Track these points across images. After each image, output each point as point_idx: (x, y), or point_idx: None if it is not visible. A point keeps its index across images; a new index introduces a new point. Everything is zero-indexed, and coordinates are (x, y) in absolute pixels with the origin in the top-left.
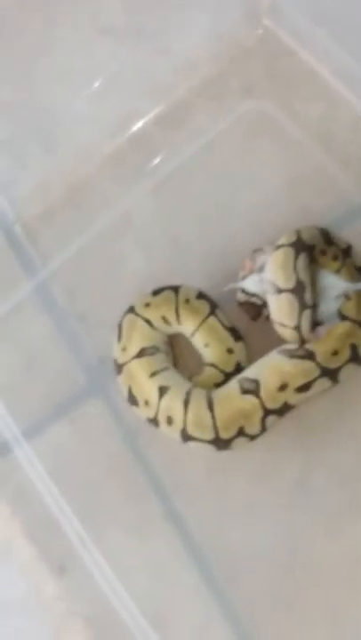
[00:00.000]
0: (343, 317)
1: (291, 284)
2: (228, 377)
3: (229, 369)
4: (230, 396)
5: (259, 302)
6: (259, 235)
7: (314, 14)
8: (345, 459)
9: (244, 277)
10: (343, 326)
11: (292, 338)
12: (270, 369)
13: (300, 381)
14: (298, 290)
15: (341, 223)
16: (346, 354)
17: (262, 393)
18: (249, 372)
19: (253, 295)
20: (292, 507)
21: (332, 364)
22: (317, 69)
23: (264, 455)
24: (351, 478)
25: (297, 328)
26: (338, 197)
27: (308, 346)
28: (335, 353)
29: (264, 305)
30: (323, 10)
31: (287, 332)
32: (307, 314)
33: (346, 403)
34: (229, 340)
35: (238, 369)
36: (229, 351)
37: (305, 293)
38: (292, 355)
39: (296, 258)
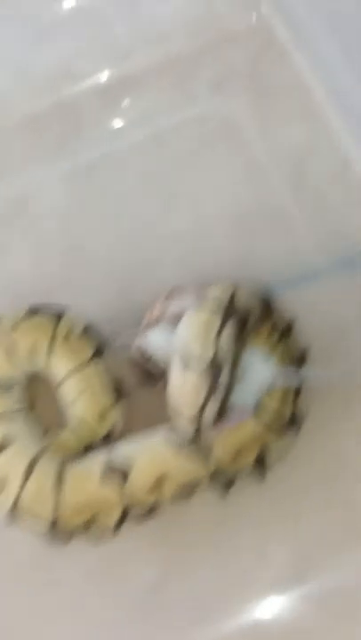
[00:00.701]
0: (259, 414)
1: (205, 361)
2: (91, 447)
3: (96, 437)
4: (87, 478)
5: (156, 367)
6: (185, 270)
7: (322, 13)
8: (206, 574)
9: (148, 327)
10: (255, 425)
11: (186, 426)
12: (149, 455)
13: (183, 482)
14: (212, 371)
15: (288, 285)
16: (249, 459)
17: (129, 486)
18: (120, 451)
19: (151, 357)
20: (134, 621)
21: (229, 470)
22: (308, 82)
23: (110, 552)
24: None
25: (195, 419)
26: (292, 250)
27: (206, 439)
28: (237, 456)
29: (163, 373)
30: (335, 10)
31: (182, 420)
32: (213, 404)
33: (229, 514)
34: (107, 400)
35: (108, 438)
36: (102, 415)
37: (220, 377)
38: (181, 446)
39: (222, 326)
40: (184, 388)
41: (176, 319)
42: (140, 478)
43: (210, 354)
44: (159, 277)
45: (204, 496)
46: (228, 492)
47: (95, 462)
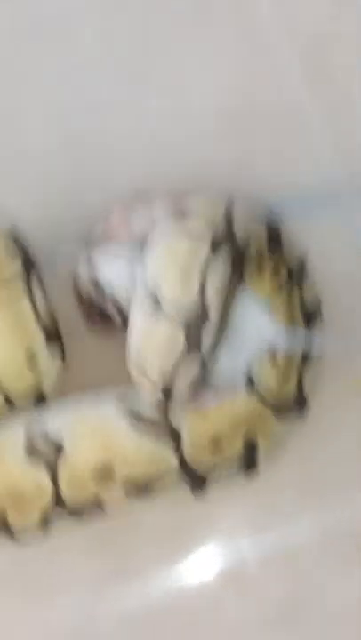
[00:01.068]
0: (251, 389)
1: (184, 306)
2: (9, 405)
3: (19, 392)
4: (5, 455)
5: (111, 306)
6: (155, 173)
7: None
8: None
9: (100, 246)
10: (246, 403)
11: (150, 393)
12: (92, 430)
13: (138, 474)
14: (193, 320)
15: (298, 209)
16: (234, 449)
17: (62, 470)
18: (53, 419)
19: (104, 290)
20: None
21: (204, 462)
22: None
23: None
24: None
25: (163, 384)
26: (304, 159)
27: (176, 416)
28: (216, 444)
29: (120, 315)
30: None
31: (145, 384)
32: (191, 366)
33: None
34: (36, 339)
35: (36, 397)
36: (30, 360)
37: (203, 329)
38: (140, 422)
39: (210, 258)
40: (152, 339)
41: (141, 239)
42: (79, 462)
43: (191, 296)
44: (119, 180)
45: (167, 496)
46: (201, 493)
47: (17, 432)
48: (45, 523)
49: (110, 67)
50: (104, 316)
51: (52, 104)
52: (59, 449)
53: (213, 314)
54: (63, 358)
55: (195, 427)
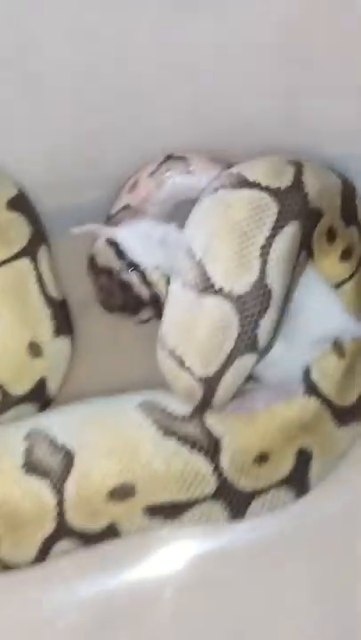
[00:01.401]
0: (312, 388)
1: (242, 283)
2: (10, 405)
3: (19, 388)
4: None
5: (139, 286)
6: (191, 126)
7: None
8: None
9: (126, 214)
10: (303, 406)
11: (187, 392)
12: (110, 443)
13: (166, 496)
14: (251, 301)
15: None
16: (284, 463)
17: (70, 488)
18: (59, 428)
19: (131, 266)
20: None
21: (248, 480)
22: None
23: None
24: None
25: (206, 381)
26: None
27: (214, 422)
28: (264, 456)
29: (151, 297)
30: None
31: (181, 379)
32: (245, 356)
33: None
34: (43, 325)
35: (40, 395)
36: (34, 351)
37: (262, 313)
38: (170, 433)
39: (274, 233)
40: (196, 322)
41: (177, 208)
42: (93, 478)
43: (250, 275)
44: (147, 132)
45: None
46: (241, 517)
47: (15, 436)
48: (44, 552)
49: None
50: (127, 297)
51: (76, 60)
52: (67, 461)
53: (275, 298)
54: (72, 351)
55: (239, 435)
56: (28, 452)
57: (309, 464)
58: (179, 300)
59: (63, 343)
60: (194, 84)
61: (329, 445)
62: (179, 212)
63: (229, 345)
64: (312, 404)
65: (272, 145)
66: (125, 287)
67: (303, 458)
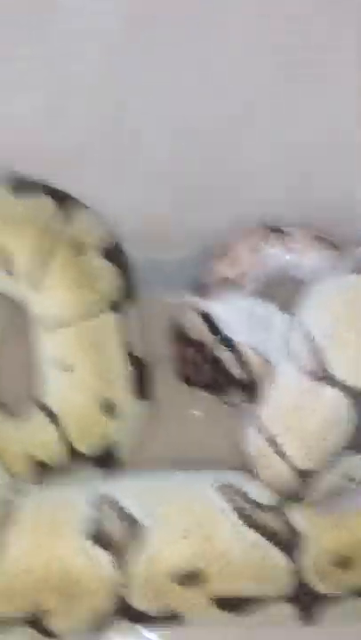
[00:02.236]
0: None
1: None
2: (75, 464)
3: (87, 447)
4: (58, 536)
5: (230, 366)
6: (290, 206)
7: None
8: None
9: (218, 287)
10: None
11: (278, 482)
12: (184, 522)
13: (236, 587)
14: None
15: None
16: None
17: (134, 562)
18: (131, 497)
19: (228, 342)
20: None
21: (327, 583)
22: None
23: None
24: None
25: (305, 475)
26: None
27: (300, 517)
28: (347, 563)
29: (244, 381)
30: None
31: (275, 468)
32: (355, 462)
33: None
34: (120, 386)
35: (109, 464)
36: (107, 408)
37: None
38: (251, 521)
39: None
40: (309, 411)
41: (270, 284)
42: (162, 556)
43: None
44: (244, 203)
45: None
46: (314, 622)
47: (81, 500)
48: (96, 626)
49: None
50: (216, 377)
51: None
52: (137, 536)
53: None
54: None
55: (325, 535)
56: (95, 520)
57: None
58: (290, 386)
59: (140, 407)
60: (300, 162)
61: None
62: (272, 289)
63: (341, 442)
64: None
65: None
66: (217, 364)
67: None
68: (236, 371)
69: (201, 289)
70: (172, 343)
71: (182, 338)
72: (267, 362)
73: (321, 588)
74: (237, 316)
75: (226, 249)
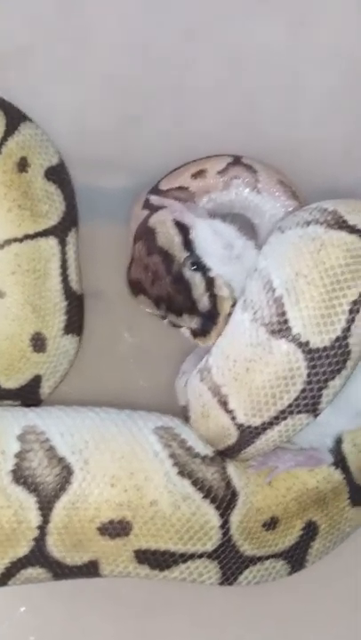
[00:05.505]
0: (339, 460)
1: (322, 339)
2: None
3: (10, 381)
4: None
5: (198, 292)
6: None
7: None
8: None
9: (176, 193)
10: (327, 478)
11: (215, 434)
12: (115, 464)
13: (162, 541)
14: (326, 360)
15: None
16: (291, 535)
17: (61, 508)
18: (62, 434)
19: (200, 266)
20: None
21: (253, 541)
22: None
23: None
24: None
25: (246, 431)
26: None
27: (235, 473)
28: (272, 524)
29: (207, 314)
30: None
31: (214, 419)
32: (299, 421)
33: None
34: (53, 319)
35: (30, 399)
36: (37, 342)
37: (334, 377)
38: (186, 466)
39: None
40: (259, 364)
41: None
42: (88, 503)
43: (331, 331)
44: (194, 134)
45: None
46: (231, 583)
47: (8, 431)
48: (8, 576)
49: None
50: (176, 296)
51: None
52: (63, 479)
53: (352, 360)
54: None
55: (256, 493)
56: (21, 457)
57: (313, 540)
58: (243, 335)
59: (70, 342)
60: (249, 89)
61: (337, 524)
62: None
63: (288, 399)
64: (335, 477)
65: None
66: (179, 282)
67: (309, 532)
68: (202, 298)
69: (153, 191)
70: (135, 242)
71: (148, 240)
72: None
73: (245, 547)
74: (219, 242)
75: (191, 164)
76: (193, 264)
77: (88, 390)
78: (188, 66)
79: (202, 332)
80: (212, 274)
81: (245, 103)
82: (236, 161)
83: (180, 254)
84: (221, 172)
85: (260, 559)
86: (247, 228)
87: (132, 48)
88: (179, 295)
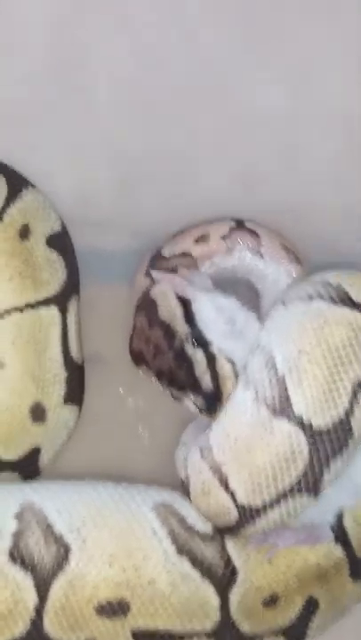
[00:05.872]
0: (340, 535)
1: (326, 419)
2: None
3: (9, 452)
4: None
5: (200, 370)
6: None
7: None
8: None
9: (178, 261)
10: (328, 554)
11: (214, 513)
12: (113, 543)
13: (160, 622)
14: (328, 442)
15: None
16: (291, 612)
17: (58, 588)
18: (59, 511)
19: (203, 343)
20: None
21: (252, 620)
22: None
23: None
24: None
25: (247, 511)
26: None
27: (235, 550)
28: (272, 601)
29: (209, 393)
30: None
31: (214, 498)
32: (301, 502)
33: None
34: (53, 390)
35: (29, 471)
36: (36, 413)
37: (336, 458)
38: (185, 545)
39: None
40: (260, 445)
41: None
42: (85, 582)
43: (338, 409)
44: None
45: None
46: None
47: (5, 510)
48: None
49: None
50: (178, 373)
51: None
52: (61, 558)
53: (354, 440)
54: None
55: (256, 571)
56: (18, 536)
57: (314, 615)
58: (244, 414)
59: (70, 412)
60: (250, 152)
61: (338, 599)
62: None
63: (289, 480)
64: (336, 553)
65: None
66: (184, 360)
67: (309, 608)
68: (204, 376)
69: (156, 259)
70: (137, 312)
71: (150, 312)
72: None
73: (245, 627)
74: (216, 315)
75: (193, 229)
76: (195, 340)
77: (87, 458)
78: (188, 129)
79: (207, 410)
80: (213, 350)
81: (246, 166)
82: (239, 225)
83: (182, 329)
84: (224, 237)
85: (260, 637)
86: (250, 292)
87: (133, 108)
88: (180, 371)
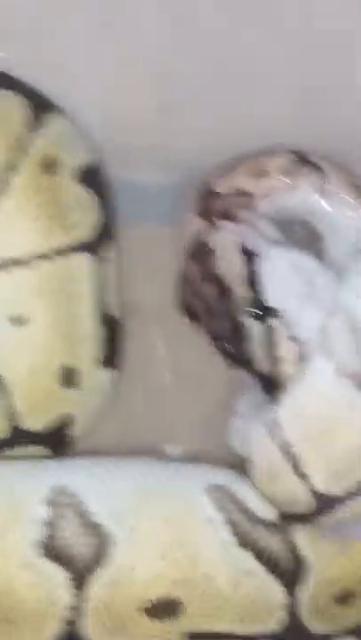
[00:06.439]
0: None
1: None
2: (17, 443)
3: (36, 423)
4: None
5: (255, 347)
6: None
7: None
8: None
9: (234, 200)
10: None
11: (285, 498)
12: (164, 532)
13: (218, 622)
14: None
15: None
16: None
17: (101, 585)
18: (97, 496)
19: (265, 312)
20: None
21: (322, 623)
22: None
23: None
24: None
25: (324, 500)
26: None
27: (304, 541)
28: (346, 598)
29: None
30: None
31: (285, 483)
32: None
33: None
34: (86, 349)
35: (59, 444)
36: (67, 377)
37: None
38: (247, 535)
39: None
40: (342, 425)
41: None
42: (133, 579)
43: None
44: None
45: None
46: None
47: (33, 494)
48: None
49: None
50: (234, 345)
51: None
52: (101, 549)
53: None
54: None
55: (329, 565)
56: (48, 523)
57: None
58: (323, 388)
59: (106, 377)
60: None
61: None
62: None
63: None
64: None
65: None
66: (237, 330)
67: None
68: (258, 356)
69: (208, 196)
70: (188, 260)
71: (204, 262)
72: (302, 354)
73: (315, 626)
74: (293, 277)
75: (250, 162)
76: (256, 310)
77: (125, 431)
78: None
79: (266, 391)
80: (277, 324)
81: (306, 91)
82: (301, 158)
83: (242, 292)
84: (286, 173)
85: (331, 637)
86: (309, 235)
87: (178, 21)
88: (234, 342)
